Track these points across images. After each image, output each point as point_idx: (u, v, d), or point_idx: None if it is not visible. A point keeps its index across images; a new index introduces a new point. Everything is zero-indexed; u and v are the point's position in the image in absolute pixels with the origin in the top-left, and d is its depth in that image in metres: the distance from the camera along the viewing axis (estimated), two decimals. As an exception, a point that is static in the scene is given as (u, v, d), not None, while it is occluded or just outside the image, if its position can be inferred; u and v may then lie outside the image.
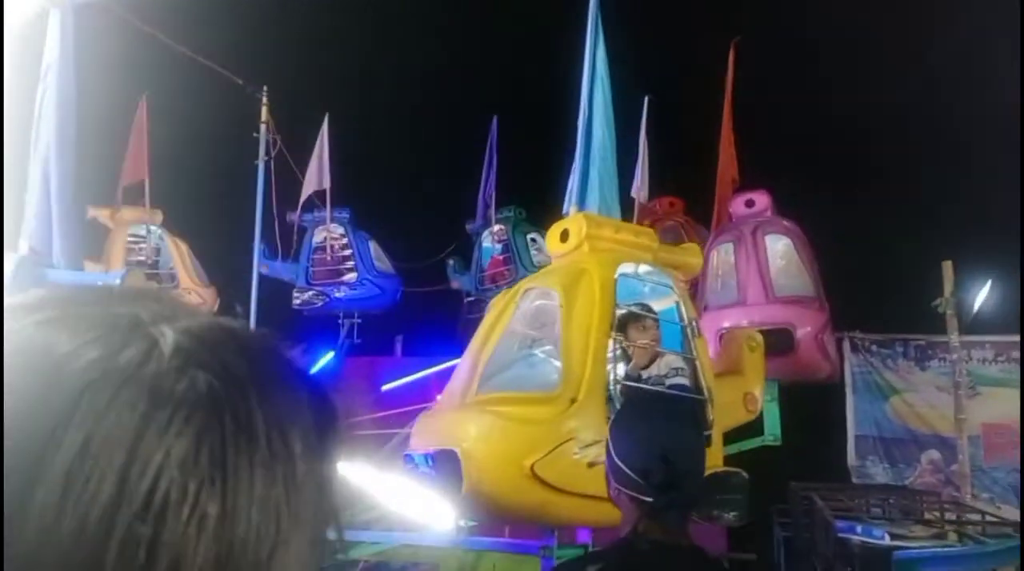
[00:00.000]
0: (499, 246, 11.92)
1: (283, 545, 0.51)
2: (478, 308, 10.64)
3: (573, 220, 4.67)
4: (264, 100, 8.40)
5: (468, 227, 12.25)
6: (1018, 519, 6.97)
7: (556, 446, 3.83)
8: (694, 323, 4.66)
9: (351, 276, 11.00)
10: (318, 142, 10.76)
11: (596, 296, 4.31)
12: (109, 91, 9.25)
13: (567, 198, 4.92)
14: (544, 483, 3.81)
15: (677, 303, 4.72)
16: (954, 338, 8.09)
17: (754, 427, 6.37)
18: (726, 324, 6.43)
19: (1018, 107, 7.88)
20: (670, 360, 4.57)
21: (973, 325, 9.03)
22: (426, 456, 4.29)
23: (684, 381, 4.43)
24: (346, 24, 12.34)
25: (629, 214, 9.80)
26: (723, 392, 4.80)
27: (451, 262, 11.80)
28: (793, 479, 8.67)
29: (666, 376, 4.48)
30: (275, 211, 9.08)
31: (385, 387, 9.11)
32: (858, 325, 10.04)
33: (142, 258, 10.02)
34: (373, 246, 11.20)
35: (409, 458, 4.41)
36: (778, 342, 6.17)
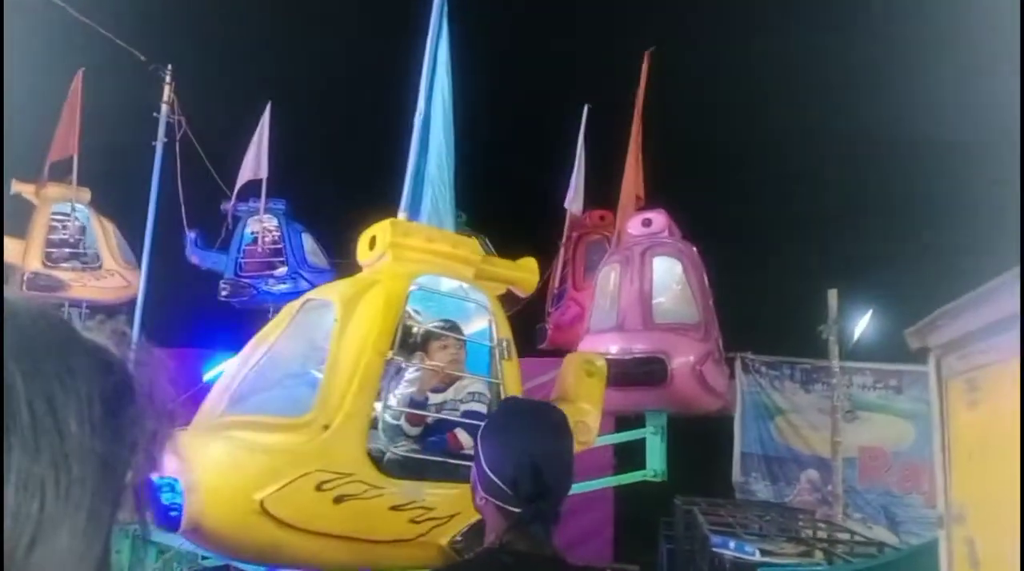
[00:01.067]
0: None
1: (49, 528, 0.48)
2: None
3: (379, 227, 4.23)
4: (168, 79, 8.15)
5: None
6: (882, 541, 7.30)
7: (295, 478, 3.34)
8: (505, 344, 4.26)
9: (282, 270, 10.70)
10: (258, 130, 10.52)
11: (379, 311, 3.87)
12: (32, 66, 8.90)
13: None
14: (277, 520, 3.35)
15: (490, 322, 4.29)
16: (835, 363, 8.42)
17: (637, 458, 6.48)
18: (600, 349, 6.04)
19: (911, 144, 8.26)
20: (468, 384, 4.22)
21: (856, 352, 9.44)
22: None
23: (481, 408, 4.10)
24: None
25: (554, 226, 9.87)
26: None
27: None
28: (680, 493, 8.86)
29: (461, 401, 4.17)
30: (180, 195, 8.79)
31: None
32: (750, 347, 10.35)
33: (65, 236, 9.70)
34: (307, 239, 10.92)
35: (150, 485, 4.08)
36: (652, 372, 5.94)
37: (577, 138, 10.08)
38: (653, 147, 8.68)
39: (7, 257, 9.19)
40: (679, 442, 7.60)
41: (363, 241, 4.30)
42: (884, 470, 9.93)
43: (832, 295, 8.36)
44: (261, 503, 3.31)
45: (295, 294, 10.63)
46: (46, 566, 0.48)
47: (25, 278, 9.16)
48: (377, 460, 3.67)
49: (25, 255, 9.34)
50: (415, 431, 4.12)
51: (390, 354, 3.79)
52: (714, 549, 6.78)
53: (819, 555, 6.92)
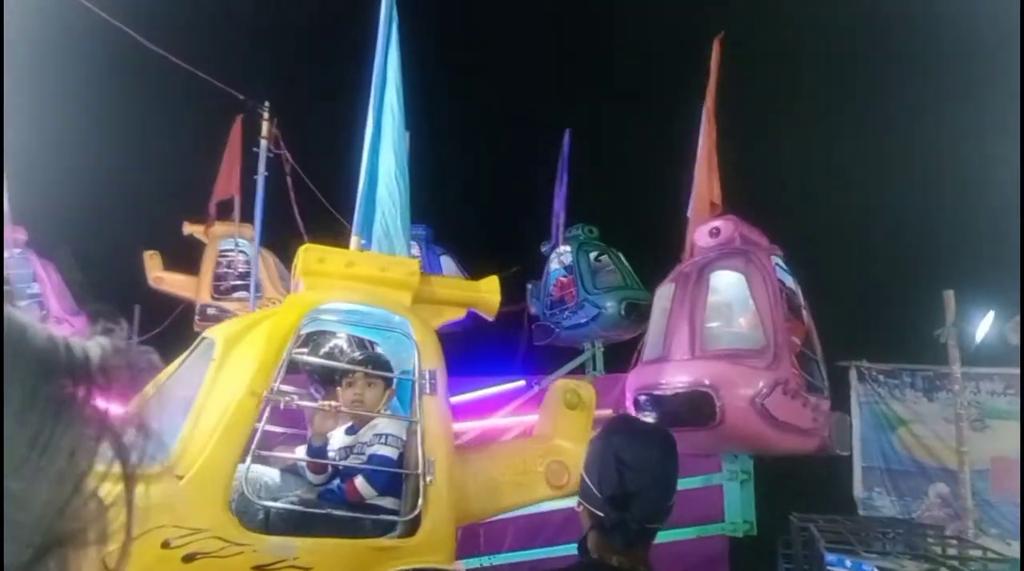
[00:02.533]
0: (562, 269, 11.48)
1: None
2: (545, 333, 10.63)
3: (298, 254, 3.88)
4: (265, 115, 8.53)
5: (543, 249, 11.77)
6: (1018, 556, 6.81)
7: (138, 535, 3.01)
8: (428, 377, 3.72)
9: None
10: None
11: (260, 347, 3.48)
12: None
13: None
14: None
15: (416, 352, 3.77)
16: (956, 368, 7.95)
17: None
18: (644, 384, 5.52)
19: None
20: (383, 425, 3.78)
21: (981, 357, 8.88)
22: (669, 396, 5.23)
23: (389, 452, 3.66)
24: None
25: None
26: (506, 461, 3.96)
27: (529, 286, 11.61)
28: (798, 510, 8.55)
29: (368, 444, 3.74)
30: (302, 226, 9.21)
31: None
32: (864, 355, 9.91)
33: (230, 270, 10.53)
34: (446, 261, 11.24)
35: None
36: (697, 409, 5.14)
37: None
38: (736, 147, 8.48)
39: (184, 292, 10.16)
40: (794, 456, 7.39)
41: (294, 270, 3.97)
42: (1020, 481, 9.28)
43: (948, 297, 7.92)
44: (103, 562, 3.13)
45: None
46: None
47: (197, 310, 10.06)
48: (252, 514, 3.34)
49: (198, 289, 10.21)
50: (318, 479, 3.80)
51: (265, 393, 3.37)
52: (829, 568, 6.50)
53: (945, 573, 6.51)
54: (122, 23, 5.84)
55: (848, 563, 6.45)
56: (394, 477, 3.64)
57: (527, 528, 7.51)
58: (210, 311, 10.05)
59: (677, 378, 5.24)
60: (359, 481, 3.64)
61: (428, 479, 3.50)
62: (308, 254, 3.83)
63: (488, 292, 4.19)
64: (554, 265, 11.51)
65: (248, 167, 8.99)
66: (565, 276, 11.39)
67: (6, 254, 9.47)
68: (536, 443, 4.11)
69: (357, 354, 4.09)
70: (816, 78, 11.11)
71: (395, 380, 3.96)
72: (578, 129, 11.70)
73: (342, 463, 3.74)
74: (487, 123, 12.71)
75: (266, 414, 3.36)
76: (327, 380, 4.10)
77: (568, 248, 11.11)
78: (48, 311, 9.57)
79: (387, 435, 3.74)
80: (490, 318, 4.12)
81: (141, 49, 6.52)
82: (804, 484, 8.80)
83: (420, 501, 3.48)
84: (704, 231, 6.03)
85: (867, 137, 10.44)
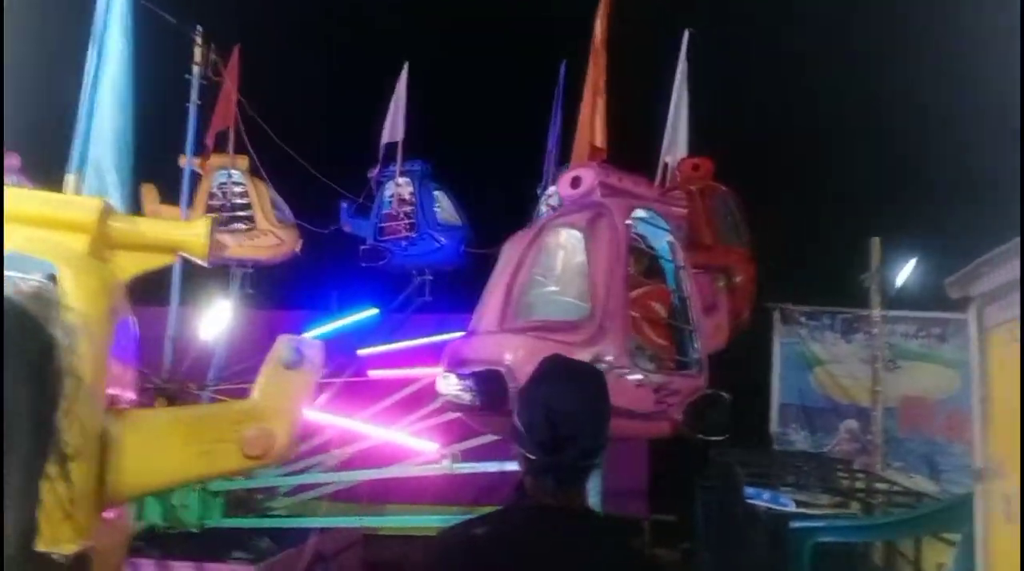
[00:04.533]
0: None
1: None
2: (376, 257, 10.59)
3: None
4: (198, 41, 8.24)
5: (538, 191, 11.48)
6: (921, 491, 7.22)
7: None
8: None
9: (412, 232, 10.81)
10: (395, 92, 10.63)
11: None
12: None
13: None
14: None
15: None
16: (875, 313, 8.28)
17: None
18: (445, 364, 4.79)
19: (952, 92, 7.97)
20: None
21: (899, 301, 9.27)
22: (465, 376, 4.31)
23: None
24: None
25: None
26: (193, 426, 3.43)
27: (344, 205, 11.18)
28: (716, 446, 8.83)
29: None
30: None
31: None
32: (789, 297, 10.22)
33: (223, 202, 10.30)
34: (442, 198, 10.95)
35: (445, 378, 4.41)
36: (489, 392, 4.32)
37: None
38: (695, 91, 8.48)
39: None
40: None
41: None
42: (927, 419, 9.82)
43: (875, 244, 8.20)
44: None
45: (427, 255, 10.60)
46: None
47: None
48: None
49: None
50: None
51: None
52: (748, 501, 6.76)
53: (856, 506, 6.86)
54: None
55: (766, 495, 6.73)
56: None
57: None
58: None
59: (476, 355, 4.51)
60: None
61: None
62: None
63: (195, 234, 3.58)
64: (388, 192, 11.33)
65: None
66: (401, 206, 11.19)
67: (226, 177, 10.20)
68: (236, 405, 3.59)
69: None
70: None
71: None
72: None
73: None
74: (487, 53, 12.32)
75: None
76: None
77: (407, 179, 10.99)
78: (255, 223, 10.12)
79: None
80: (202, 262, 3.59)
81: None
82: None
83: None
84: (565, 180, 5.23)
85: (804, 75, 10.53)
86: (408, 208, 10.85)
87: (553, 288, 4.78)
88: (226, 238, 9.97)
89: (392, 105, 10.61)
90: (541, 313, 4.67)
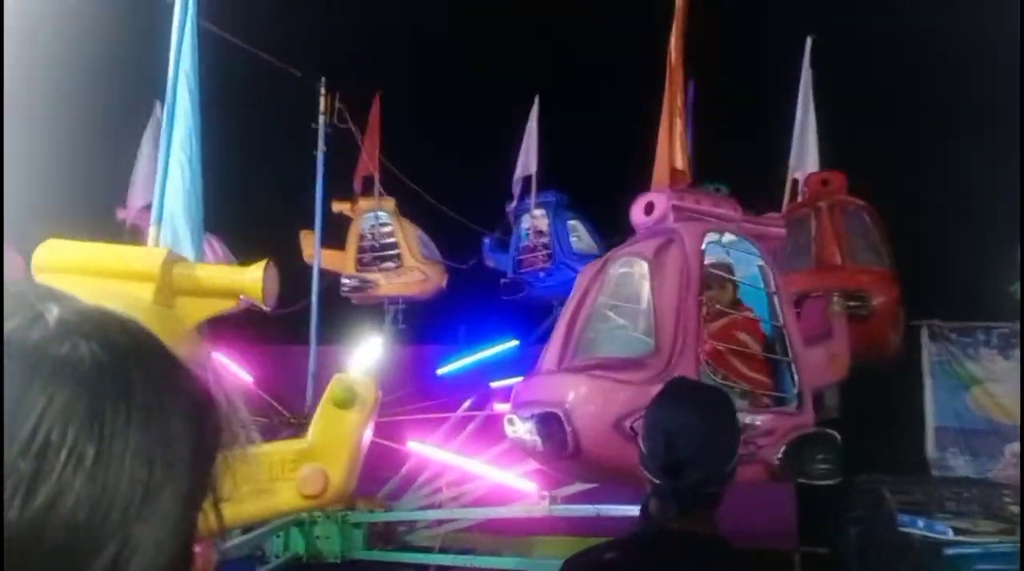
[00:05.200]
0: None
1: (156, 492, 0.56)
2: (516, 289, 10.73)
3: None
4: (322, 91, 8.67)
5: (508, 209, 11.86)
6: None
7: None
8: None
9: (549, 263, 11.18)
10: (528, 126, 11.04)
11: None
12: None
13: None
14: None
15: None
16: (1029, 325, 7.72)
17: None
18: (513, 402, 4.88)
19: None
20: None
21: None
22: (529, 418, 4.19)
23: None
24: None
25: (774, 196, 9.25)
26: (249, 464, 3.77)
27: (487, 240, 11.75)
28: (866, 472, 8.44)
29: None
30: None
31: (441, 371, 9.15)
32: (936, 313, 9.66)
33: (373, 243, 11.05)
34: (577, 227, 11.30)
35: (510, 422, 4.36)
36: (550, 437, 4.36)
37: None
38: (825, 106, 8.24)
39: (334, 266, 10.60)
40: (861, 417, 7.30)
41: None
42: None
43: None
44: (631, 427, 3.59)
45: (565, 285, 10.88)
46: (151, 524, 0.56)
47: (342, 283, 10.63)
48: None
49: (344, 263, 10.80)
50: None
51: None
52: (901, 529, 6.43)
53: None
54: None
55: (921, 523, 6.38)
56: None
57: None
58: (352, 282, 10.66)
59: (536, 396, 4.38)
60: None
61: None
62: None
63: (252, 279, 3.58)
64: (524, 225, 11.50)
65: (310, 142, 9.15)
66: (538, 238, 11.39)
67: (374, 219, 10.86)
68: (291, 445, 3.64)
69: None
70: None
71: None
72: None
73: None
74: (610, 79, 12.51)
75: None
76: None
77: (542, 211, 11.14)
78: (402, 261, 10.74)
79: None
80: (263, 306, 3.62)
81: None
82: (874, 446, 8.68)
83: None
84: (638, 207, 4.98)
85: (936, 74, 10.03)
86: (545, 239, 11.18)
87: (620, 322, 4.55)
88: (376, 276, 10.63)
89: (525, 138, 10.89)
90: (605, 350, 4.44)
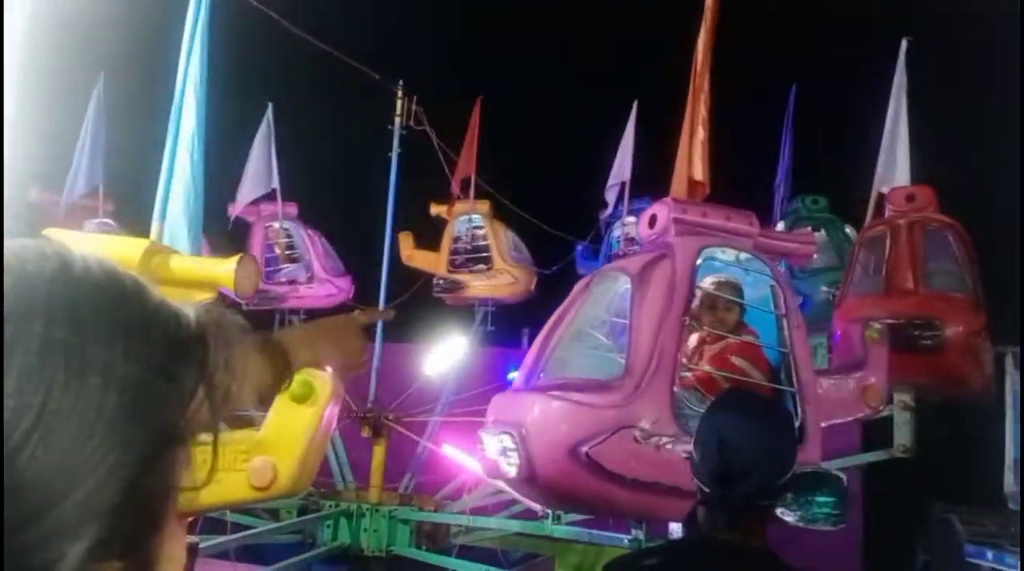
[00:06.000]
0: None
1: (51, 422, 0.54)
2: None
3: None
4: (399, 94, 8.95)
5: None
6: None
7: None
8: None
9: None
10: (624, 134, 11.15)
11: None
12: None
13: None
14: (602, 470, 3.65)
15: None
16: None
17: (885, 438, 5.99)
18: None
19: None
20: None
21: None
22: (495, 436, 4.05)
23: None
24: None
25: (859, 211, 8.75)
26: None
27: (579, 247, 11.81)
28: (939, 501, 8.18)
29: None
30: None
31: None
32: (1019, 340, 9.15)
33: (465, 245, 11.31)
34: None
35: (480, 440, 4.20)
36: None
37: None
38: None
39: (429, 267, 11.09)
40: (937, 447, 7.07)
41: None
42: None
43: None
44: (587, 453, 3.70)
45: None
46: (46, 458, 0.54)
47: (435, 283, 10.94)
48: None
49: (438, 264, 11.11)
50: None
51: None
52: (970, 559, 6.26)
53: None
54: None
55: (990, 555, 6.22)
56: None
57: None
58: (443, 283, 10.93)
59: (503, 415, 4.22)
60: None
61: None
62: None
63: (226, 270, 3.58)
64: (616, 233, 11.42)
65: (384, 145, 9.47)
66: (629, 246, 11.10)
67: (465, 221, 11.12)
68: (244, 436, 3.54)
69: None
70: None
71: None
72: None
73: None
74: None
75: None
76: None
77: (634, 219, 10.65)
78: (313, 273, 10.82)
79: None
80: (241, 299, 3.60)
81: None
82: (951, 479, 8.37)
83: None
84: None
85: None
86: (635, 247, 11.01)
87: (601, 341, 4.31)
88: (467, 278, 10.82)
89: (621, 146, 10.91)
90: (577, 370, 4.19)
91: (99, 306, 0.59)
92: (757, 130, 11.34)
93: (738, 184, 11.41)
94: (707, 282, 4.49)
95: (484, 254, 11.05)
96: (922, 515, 8.52)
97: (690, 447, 3.84)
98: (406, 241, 10.87)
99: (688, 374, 4.31)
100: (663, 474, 3.81)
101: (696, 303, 4.40)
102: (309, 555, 6.97)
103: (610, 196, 11.38)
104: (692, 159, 5.11)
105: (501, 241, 10.94)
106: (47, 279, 0.58)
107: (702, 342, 4.53)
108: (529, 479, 3.98)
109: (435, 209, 11.12)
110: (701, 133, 5.16)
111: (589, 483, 3.85)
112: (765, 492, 1.99)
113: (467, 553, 7.56)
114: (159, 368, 0.61)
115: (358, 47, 8.40)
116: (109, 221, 9.64)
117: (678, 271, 4.18)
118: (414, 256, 11.09)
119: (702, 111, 5.22)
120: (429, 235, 11.30)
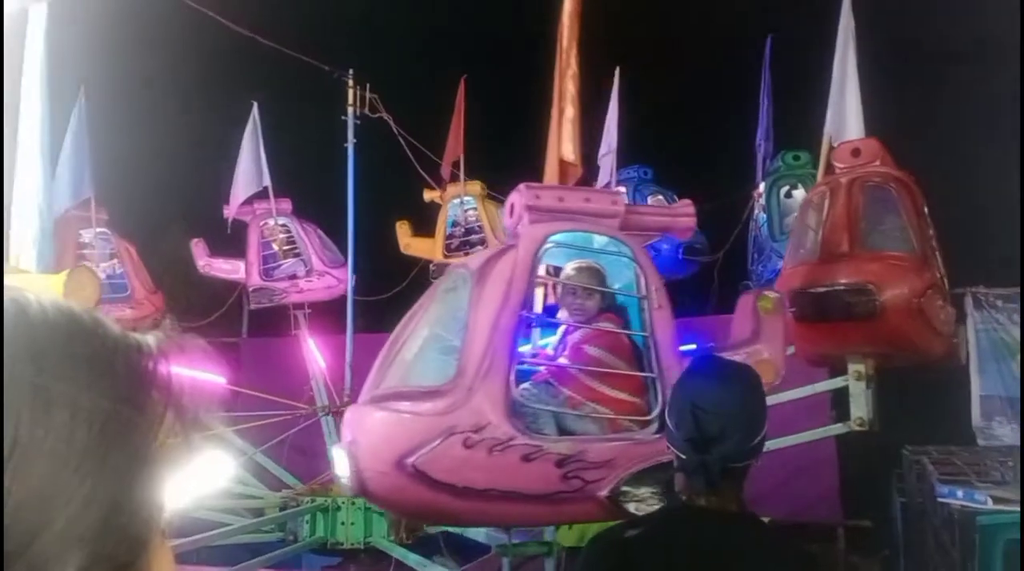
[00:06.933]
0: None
1: (23, 452, 0.56)
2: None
3: (515, 192, 4.19)
4: (350, 83, 8.81)
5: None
6: None
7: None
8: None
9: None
10: (610, 104, 10.70)
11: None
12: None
13: None
14: (431, 480, 3.50)
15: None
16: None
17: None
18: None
19: None
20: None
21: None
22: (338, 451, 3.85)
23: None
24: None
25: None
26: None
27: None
28: (914, 444, 8.32)
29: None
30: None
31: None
32: (981, 280, 9.39)
33: (463, 227, 11.16)
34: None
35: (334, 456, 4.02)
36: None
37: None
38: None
39: (426, 255, 10.94)
40: (910, 391, 7.13)
41: None
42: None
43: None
44: (413, 465, 3.51)
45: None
46: (22, 492, 0.56)
47: (431, 269, 10.63)
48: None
49: (434, 250, 10.97)
50: None
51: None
52: (940, 499, 6.34)
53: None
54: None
55: (960, 493, 6.26)
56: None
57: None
58: (439, 269, 10.48)
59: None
60: None
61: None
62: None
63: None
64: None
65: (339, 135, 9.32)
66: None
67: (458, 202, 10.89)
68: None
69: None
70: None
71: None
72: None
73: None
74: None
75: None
76: None
77: (624, 188, 10.21)
78: (312, 266, 10.66)
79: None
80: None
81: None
82: (921, 417, 8.54)
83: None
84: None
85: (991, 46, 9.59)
86: None
87: (451, 343, 3.95)
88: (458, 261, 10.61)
89: (608, 116, 10.39)
90: (419, 376, 3.91)
91: (59, 344, 0.61)
92: (737, 88, 10.97)
93: (721, 147, 11.51)
94: (568, 269, 4.31)
95: (478, 235, 10.96)
96: (897, 459, 8.69)
97: (531, 445, 3.70)
98: (403, 230, 10.95)
99: (543, 368, 4.19)
100: (497, 479, 3.66)
101: (560, 291, 4.37)
102: (289, 548, 6.90)
103: (604, 166, 11.09)
104: (562, 139, 4.77)
105: (495, 221, 10.72)
106: (8, 323, 0.60)
107: (565, 333, 4.32)
108: (362, 493, 3.93)
109: (428, 195, 11.04)
110: (570, 111, 4.84)
111: (419, 494, 3.66)
112: (740, 454, 2.02)
113: (454, 541, 7.40)
114: (124, 398, 0.63)
115: (321, 38, 8.21)
116: (104, 230, 9.70)
117: (518, 262, 3.90)
118: (411, 244, 11.10)
119: (571, 88, 4.88)
120: (420, 223, 11.35)
